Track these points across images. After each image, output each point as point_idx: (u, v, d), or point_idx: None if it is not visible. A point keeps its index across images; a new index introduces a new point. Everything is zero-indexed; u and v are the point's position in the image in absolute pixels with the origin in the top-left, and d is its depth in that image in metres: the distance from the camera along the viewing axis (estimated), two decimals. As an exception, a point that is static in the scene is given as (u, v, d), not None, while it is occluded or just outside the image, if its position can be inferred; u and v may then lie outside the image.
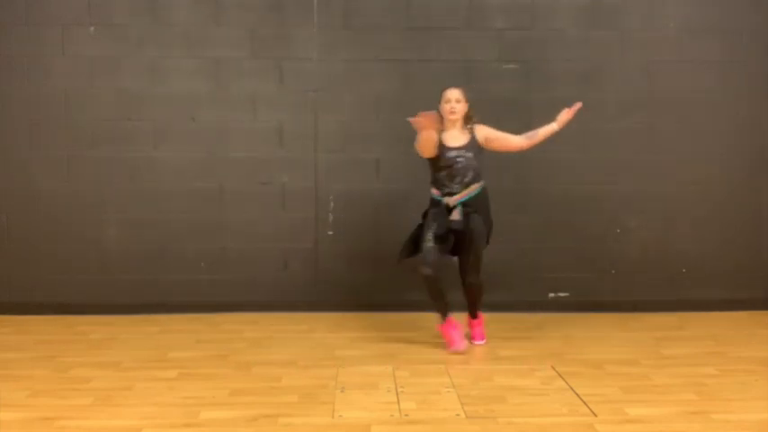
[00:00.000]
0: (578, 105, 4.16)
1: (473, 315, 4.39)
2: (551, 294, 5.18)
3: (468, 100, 4.17)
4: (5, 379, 3.68)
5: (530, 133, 4.23)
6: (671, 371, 3.82)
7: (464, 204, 4.11)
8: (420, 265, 4.08)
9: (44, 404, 3.34)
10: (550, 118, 5.07)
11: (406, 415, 3.21)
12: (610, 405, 3.32)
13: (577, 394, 3.47)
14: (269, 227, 5.07)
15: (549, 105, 5.06)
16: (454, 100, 4.13)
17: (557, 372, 3.81)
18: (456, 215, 4.10)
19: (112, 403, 3.35)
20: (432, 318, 4.91)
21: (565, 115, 4.20)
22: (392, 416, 3.20)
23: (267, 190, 5.07)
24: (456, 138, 4.15)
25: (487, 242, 4.25)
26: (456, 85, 4.18)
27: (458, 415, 3.22)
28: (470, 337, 4.36)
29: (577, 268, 5.16)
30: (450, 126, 4.17)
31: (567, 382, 3.63)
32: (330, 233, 5.09)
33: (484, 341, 4.35)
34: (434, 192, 4.19)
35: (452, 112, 4.12)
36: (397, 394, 3.47)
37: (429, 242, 4.08)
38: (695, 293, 5.17)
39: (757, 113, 5.14)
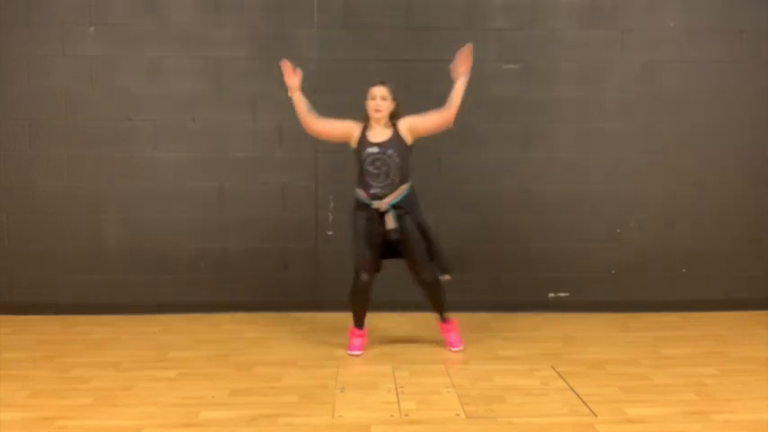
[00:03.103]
0: (469, 46, 3.95)
1: (442, 318, 4.23)
2: (551, 294, 5.18)
3: (395, 98, 4.02)
4: (5, 379, 3.68)
5: (448, 101, 4.01)
6: (671, 371, 3.82)
7: (395, 207, 3.94)
8: (359, 272, 3.99)
9: (44, 404, 3.34)
10: (550, 118, 5.11)
11: (406, 415, 3.21)
12: (610, 405, 3.32)
13: (577, 394, 3.47)
14: (269, 227, 5.07)
15: (549, 105, 5.10)
16: (380, 97, 3.95)
17: (557, 372, 3.81)
18: (390, 222, 3.90)
19: (112, 403, 3.35)
20: (432, 317, 4.91)
21: (461, 63, 3.97)
22: (392, 416, 3.20)
23: (267, 190, 5.07)
24: (378, 134, 3.97)
25: (431, 239, 4.05)
26: (383, 82, 4.03)
27: (458, 415, 3.22)
28: (447, 345, 4.22)
29: (577, 268, 5.16)
30: (375, 124, 4.00)
31: (567, 382, 3.63)
32: (330, 233, 5.09)
33: (461, 347, 4.19)
34: (361, 194, 3.98)
35: (377, 110, 3.94)
36: (397, 394, 3.47)
37: (365, 247, 3.97)
38: (695, 293, 5.17)
39: (757, 114, 5.14)
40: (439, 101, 5.09)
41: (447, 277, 4.12)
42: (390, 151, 3.96)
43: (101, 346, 4.31)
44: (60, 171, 4.99)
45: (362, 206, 4.00)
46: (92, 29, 4.93)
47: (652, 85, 5.10)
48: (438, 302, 4.20)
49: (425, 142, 5.06)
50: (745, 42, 5.09)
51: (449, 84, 5.04)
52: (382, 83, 4.05)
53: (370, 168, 3.95)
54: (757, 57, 5.11)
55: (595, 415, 3.21)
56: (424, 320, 4.82)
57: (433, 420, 3.16)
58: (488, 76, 5.05)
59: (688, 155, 5.14)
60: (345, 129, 4.04)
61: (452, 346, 4.21)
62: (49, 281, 5.02)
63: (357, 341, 4.17)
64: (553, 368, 3.87)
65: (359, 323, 4.20)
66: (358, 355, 4.11)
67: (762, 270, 5.22)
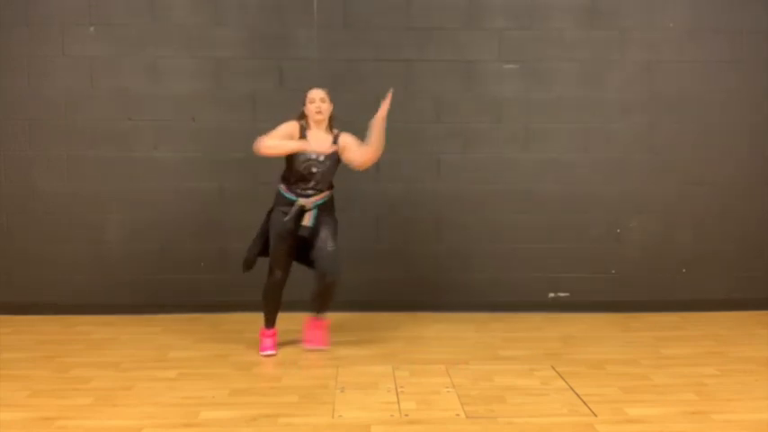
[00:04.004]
0: (389, 95, 3.94)
1: (320, 315, 4.21)
2: (551, 294, 5.19)
3: (332, 101, 4.06)
4: (5, 379, 3.68)
5: (368, 142, 3.99)
6: (671, 371, 3.82)
7: (318, 207, 4.01)
8: (273, 269, 4.00)
9: (44, 404, 3.34)
10: (550, 118, 5.11)
11: (406, 415, 3.21)
12: (610, 405, 3.32)
13: (577, 394, 3.47)
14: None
15: (549, 105, 5.10)
16: (319, 99, 3.99)
17: (557, 372, 3.81)
18: (307, 220, 3.96)
19: (112, 403, 3.35)
20: (432, 317, 4.92)
21: (382, 109, 3.94)
22: (392, 416, 3.20)
23: (267, 190, 5.05)
24: (320, 141, 4.02)
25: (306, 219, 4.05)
26: (319, 86, 4.07)
27: (458, 415, 3.22)
28: (308, 341, 4.21)
29: (577, 268, 5.16)
30: (315, 126, 4.05)
31: (567, 382, 3.63)
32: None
33: (326, 347, 4.19)
34: (285, 190, 4.04)
35: (318, 112, 3.99)
36: (397, 394, 3.47)
37: (280, 244, 4.00)
38: (695, 293, 5.17)
39: (757, 114, 5.14)
40: (439, 101, 5.12)
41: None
42: (329, 163, 4.02)
43: (101, 346, 4.31)
44: (60, 171, 4.99)
45: (285, 202, 4.02)
46: (92, 29, 4.93)
47: (652, 85, 5.10)
48: (326, 302, 4.17)
49: (425, 142, 5.09)
50: (745, 42, 5.09)
51: (449, 84, 5.07)
52: (318, 86, 4.08)
53: (304, 172, 3.99)
54: (757, 57, 5.11)
55: (595, 415, 3.21)
56: (424, 320, 4.83)
57: (433, 420, 3.16)
58: (488, 76, 5.05)
59: (688, 155, 5.14)
60: (288, 133, 4.00)
61: (317, 344, 4.19)
62: (49, 281, 5.02)
63: (268, 341, 4.16)
64: (553, 368, 3.87)
65: (270, 323, 4.19)
66: (272, 355, 4.10)
67: (762, 270, 5.22)
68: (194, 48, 4.97)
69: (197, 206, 5.04)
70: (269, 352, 4.12)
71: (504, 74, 5.06)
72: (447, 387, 3.58)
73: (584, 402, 3.36)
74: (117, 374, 3.77)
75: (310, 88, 4.08)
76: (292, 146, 3.94)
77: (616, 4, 5.05)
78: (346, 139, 4.08)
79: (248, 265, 4.15)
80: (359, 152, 4.02)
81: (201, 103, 5.00)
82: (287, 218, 3.97)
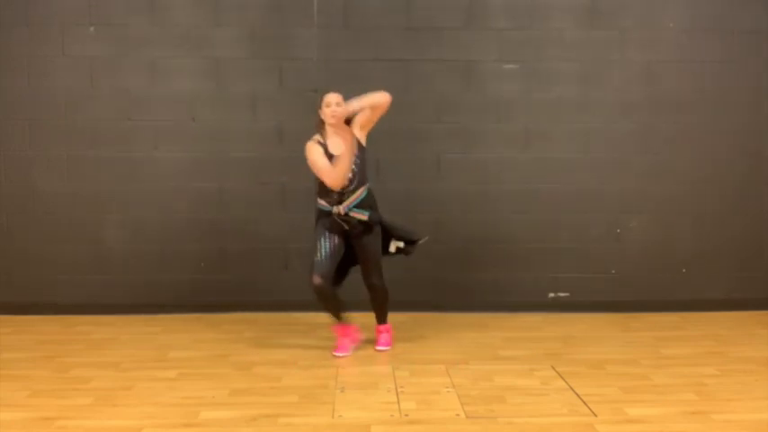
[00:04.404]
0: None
1: (379, 320, 4.29)
2: (551, 294, 5.19)
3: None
4: (5, 379, 3.68)
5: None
6: (671, 371, 3.82)
7: (357, 207, 4.00)
8: (312, 276, 3.97)
9: (44, 404, 3.34)
10: (550, 118, 5.11)
11: (406, 415, 3.21)
12: (610, 405, 3.32)
13: (577, 394, 3.47)
14: (269, 227, 5.07)
15: (549, 105, 5.10)
16: (334, 104, 3.96)
17: (557, 372, 3.81)
18: (359, 215, 3.97)
19: (112, 403, 3.35)
20: (432, 317, 4.92)
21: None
22: (392, 416, 3.20)
23: (267, 190, 5.07)
24: (336, 144, 3.99)
25: (393, 246, 4.13)
26: (335, 90, 4.05)
27: (458, 415, 3.22)
28: (377, 343, 4.26)
29: (577, 268, 5.17)
30: (331, 131, 4.01)
31: (567, 382, 3.63)
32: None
33: (389, 347, 4.23)
34: (321, 203, 4.06)
35: (334, 116, 3.94)
36: (397, 394, 3.47)
37: (322, 253, 3.99)
38: (695, 293, 5.17)
39: (757, 114, 5.14)
40: (438, 101, 5.12)
41: (425, 238, 4.18)
42: (356, 159, 3.99)
43: (101, 346, 4.31)
44: (60, 171, 4.99)
45: (325, 214, 4.04)
46: (92, 29, 4.93)
47: (652, 85, 5.10)
48: (381, 307, 4.24)
49: (425, 142, 5.09)
50: (744, 42, 5.09)
51: (448, 84, 5.07)
52: (334, 90, 4.06)
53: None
54: (757, 57, 5.11)
55: (595, 415, 3.21)
56: (424, 320, 4.83)
57: (433, 420, 3.16)
58: (488, 76, 5.05)
59: (688, 155, 5.14)
60: (322, 154, 3.97)
61: (379, 345, 4.24)
62: (49, 281, 5.02)
63: (344, 341, 4.17)
64: (553, 368, 3.87)
65: (338, 319, 4.16)
66: (344, 356, 4.09)
67: (762, 270, 5.22)
68: (194, 48, 4.97)
69: (197, 206, 5.04)
70: (342, 353, 4.11)
71: (504, 74, 5.06)
72: (447, 387, 3.58)
73: (584, 402, 3.36)
74: (117, 374, 3.77)
75: (327, 92, 4.04)
76: (347, 158, 3.90)
77: (616, 4, 5.05)
78: (356, 124, 4.04)
79: (328, 274, 4.04)
80: (375, 100, 3.94)
81: (201, 103, 5.00)
82: (331, 230, 4.01)
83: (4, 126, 4.96)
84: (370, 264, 4.10)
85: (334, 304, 4.09)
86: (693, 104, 5.12)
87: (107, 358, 4.03)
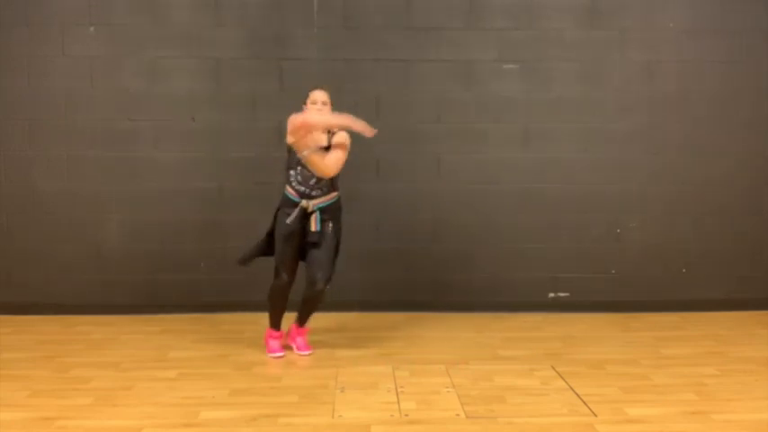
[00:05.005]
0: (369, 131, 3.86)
1: (302, 323, 4.19)
2: (551, 294, 5.19)
3: (333, 102, 4.02)
4: (5, 379, 3.68)
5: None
6: (671, 371, 3.82)
7: (321, 211, 3.97)
8: (279, 271, 3.97)
9: (44, 404, 3.34)
10: (550, 118, 5.11)
11: (406, 415, 3.21)
12: (610, 405, 3.32)
13: (577, 394, 3.47)
14: (269, 227, 5.05)
15: (549, 105, 5.10)
16: (320, 102, 3.95)
17: (557, 372, 3.81)
18: (313, 224, 3.94)
19: (112, 403, 3.35)
20: (432, 317, 4.91)
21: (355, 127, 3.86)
22: (392, 416, 3.20)
23: (267, 190, 5.06)
24: (319, 139, 3.94)
25: (337, 253, 4.06)
26: (322, 87, 4.02)
27: (458, 415, 3.22)
28: (296, 348, 4.18)
29: (577, 268, 5.16)
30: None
31: (567, 382, 3.63)
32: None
33: (310, 351, 4.15)
34: (290, 191, 4.00)
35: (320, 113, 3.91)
36: (397, 394, 3.47)
37: (285, 246, 3.98)
38: (695, 293, 5.17)
39: (757, 113, 5.14)
40: (439, 101, 5.12)
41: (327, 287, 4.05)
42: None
43: (101, 346, 4.31)
44: (60, 171, 4.99)
45: (290, 204, 4.00)
46: (92, 29, 4.93)
47: (652, 85, 5.10)
48: (310, 311, 4.15)
49: (425, 142, 5.09)
50: (744, 42, 5.09)
51: (449, 84, 5.07)
52: (321, 87, 4.03)
53: (306, 170, 3.93)
54: (757, 56, 5.11)
55: (595, 415, 3.21)
56: (424, 320, 4.83)
57: (433, 420, 3.16)
58: (488, 76, 5.05)
59: (688, 155, 5.14)
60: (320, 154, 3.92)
61: (301, 350, 4.15)
62: (49, 281, 5.02)
63: (275, 343, 4.15)
64: (553, 368, 3.87)
65: (276, 324, 4.16)
66: (280, 357, 4.08)
67: (762, 270, 5.22)
68: (194, 48, 4.97)
69: (197, 206, 5.04)
70: (277, 354, 4.10)
71: (504, 74, 5.06)
72: (447, 387, 3.58)
73: (584, 402, 3.36)
74: (117, 374, 3.77)
75: (314, 88, 4.03)
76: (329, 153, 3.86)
77: (616, 4, 5.05)
78: (337, 138, 3.99)
79: (244, 261, 4.15)
80: (326, 163, 3.87)
81: (201, 103, 5.00)
82: (289, 219, 3.94)
83: (4, 126, 4.96)
84: (319, 264, 3.97)
85: (284, 303, 4.09)
86: (693, 104, 5.12)
87: (107, 358, 4.03)
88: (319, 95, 3.99)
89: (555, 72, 5.07)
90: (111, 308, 4.99)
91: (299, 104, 4.97)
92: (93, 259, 5.03)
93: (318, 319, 4.77)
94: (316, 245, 3.97)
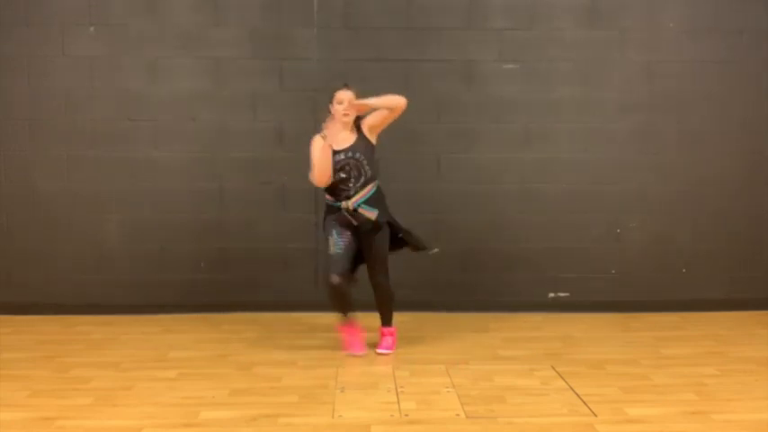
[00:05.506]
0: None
1: (384, 322, 4.23)
2: (551, 294, 5.19)
3: (357, 94, 4.06)
4: (5, 379, 3.68)
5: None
6: (671, 371, 3.82)
7: (364, 204, 4.01)
8: (329, 275, 3.98)
9: (44, 404, 3.34)
10: (550, 118, 5.11)
11: (406, 415, 3.21)
12: (610, 405, 3.32)
13: (577, 394, 3.47)
14: (269, 227, 5.07)
15: (549, 105, 5.10)
16: (347, 101, 3.99)
17: (557, 372, 3.81)
18: (366, 213, 3.99)
19: (112, 403, 3.35)
20: (432, 317, 4.91)
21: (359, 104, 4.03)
22: (392, 416, 3.20)
23: (267, 190, 5.07)
24: (344, 140, 4.02)
25: (398, 242, 4.13)
26: (347, 86, 4.06)
27: (458, 415, 3.22)
28: (378, 346, 4.19)
29: (577, 268, 5.16)
30: (342, 128, 4.03)
31: (567, 382, 3.63)
32: (330, 233, 5.08)
33: (390, 351, 4.15)
34: (329, 198, 4.08)
35: (346, 114, 3.99)
36: (397, 394, 3.47)
37: (337, 249, 4.00)
38: (695, 293, 5.17)
39: (757, 114, 5.14)
40: (439, 101, 5.12)
41: (435, 250, 4.14)
42: (357, 154, 4.00)
43: (101, 346, 4.31)
44: (60, 171, 4.99)
45: (333, 209, 4.06)
46: (92, 29, 4.93)
47: (652, 85, 5.10)
48: (386, 307, 4.20)
49: (425, 142, 5.09)
50: (744, 42, 5.09)
51: (448, 84, 5.07)
52: (347, 87, 4.07)
53: (340, 174, 3.99)
54: (757, 57, 5.11)
55: (595, 415, 3.21)
56: (424, 320, 4.83)
57: (433, 420, 3.16)
58: (488, 76, 5.05)
59: (688, 155, 5.14)
60: (323, 148, 3.98)
61: (382, 348, 4.16)
62: (49, 281, 5.02)
63: (354, 338, 4.14)
64: (553, 368, 3.87)
65: (345, 319, 4.15)
66: (359, 356, 4.09)
67: (762, 270, 5.22)
68: (194, 48, 4.97)
69: (197, 206, 5.04)
70: (357, 351, 4.10)
71: (504, 74, 5.06)
72: (447, 387, 3.58)
73: (584, 402, 3.36)
74: (117, 374, 3.77)
75: (339, 88, 4.05)
76: (319, 148, 3.94)
77: (616, 4, 5.05)
78: (367, 122, 4.06)
79: (345, 272, 4.08)
80: (389, 104, 4.03)
81: (201, 103, 5.00)
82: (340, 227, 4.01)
83: (4, 126, 4.96)
84: (376, 262, 4.09)
85: (345, 303, 4.07)
86: (693, 104, 5.12)
87: (107, 358, 4.03)
88: (345, 95, 4.02)
89: (555, 72, 5.07)
90: (111, 308, 4.99)
91: (299, 104, 5.01)
92: (93, 259, 5.04)
93: (319, 319, 4.79)
94: (367, 239, 4.03)
